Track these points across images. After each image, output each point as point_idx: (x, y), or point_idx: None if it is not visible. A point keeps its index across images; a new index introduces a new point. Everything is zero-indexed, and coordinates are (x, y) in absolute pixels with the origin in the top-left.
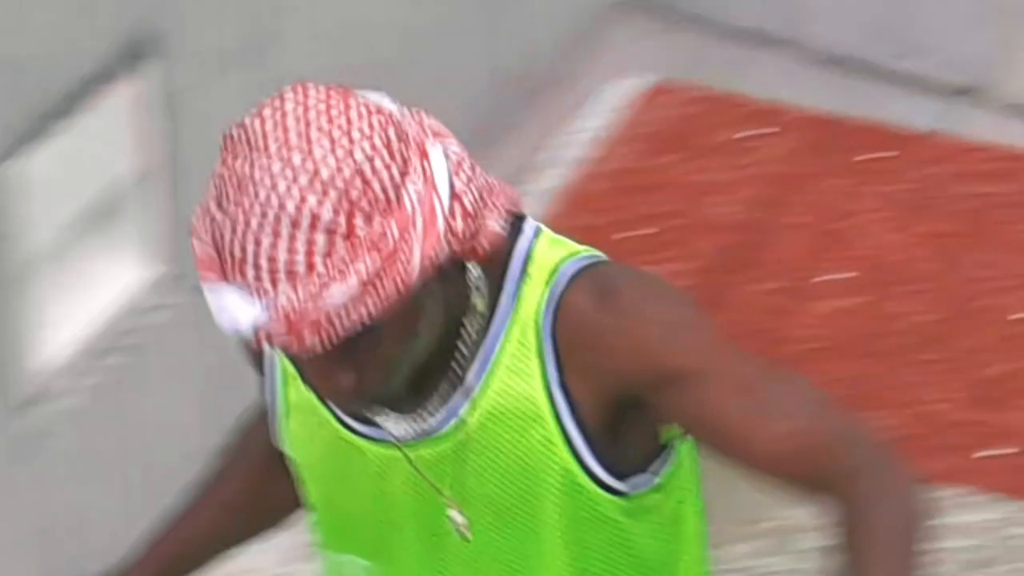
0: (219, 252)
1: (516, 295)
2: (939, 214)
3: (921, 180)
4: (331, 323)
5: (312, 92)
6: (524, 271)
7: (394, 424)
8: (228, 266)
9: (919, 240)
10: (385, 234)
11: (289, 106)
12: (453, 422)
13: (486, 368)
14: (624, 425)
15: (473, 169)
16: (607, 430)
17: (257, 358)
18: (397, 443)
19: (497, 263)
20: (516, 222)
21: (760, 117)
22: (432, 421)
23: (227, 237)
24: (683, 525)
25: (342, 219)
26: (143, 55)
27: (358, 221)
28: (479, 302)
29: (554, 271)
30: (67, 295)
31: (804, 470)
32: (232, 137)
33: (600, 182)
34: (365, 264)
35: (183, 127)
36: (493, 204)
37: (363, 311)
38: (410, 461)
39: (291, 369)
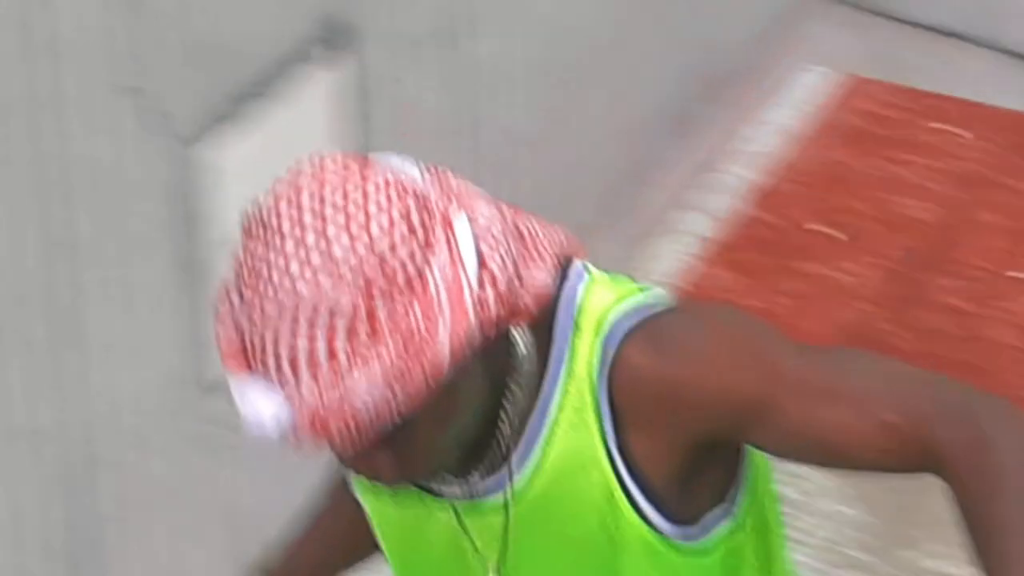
0: (241, 340)
1: (568, 349)
2: None
3: None
4: (358, 418)
5: (329, 165)
6: (574, 323)
7: (448, 487)
8: (250, 356)
9: None
10: (408, 318)
11: (304, 181)
12: (513, 483)
13: (543, 428)
14: (696, 470)
15: (507, 233)
16: (676, 482)
17: None
18: (452, 503)
19: (544, 315)
20: (563, 267)
21: (953, 115)
22: (488, 483)
23: (246, 326)
24: (774, 556)
25: (361, 304)
26: (338, 40)
27: (378, 305)
28: (527, 362)
29: (603, 320)
30: None
31: (916, 459)
32: (249, 217)
33: (791, 177)
34: (388, 352)
35: (376, 114)
36: (537, 254)
37: (392, 403)
38: (460, 521)
39: None
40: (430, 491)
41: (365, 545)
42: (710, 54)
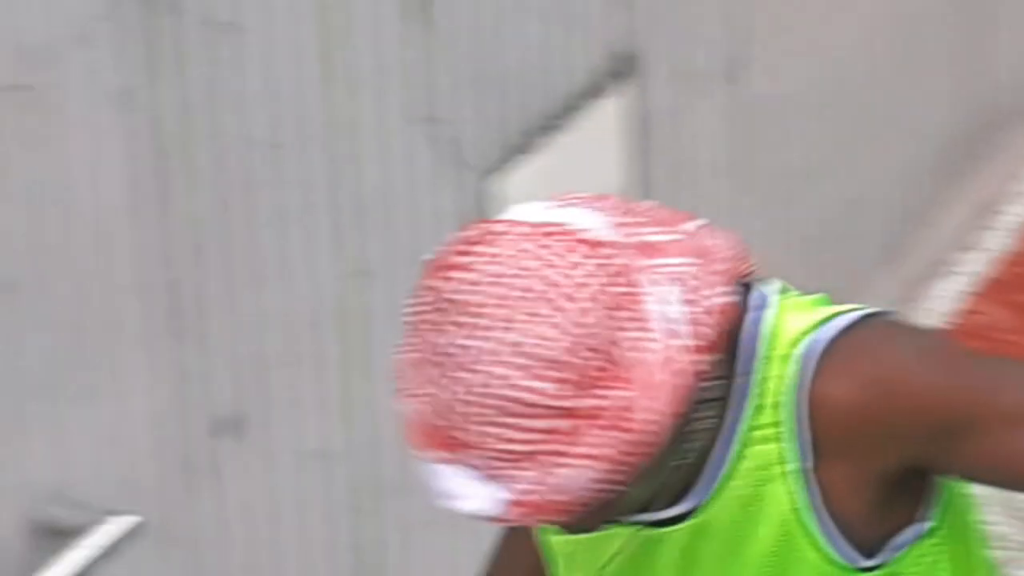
0: (426, 428)
1: (754, 379)
2: None
3: None
4: (564, 502)
5: (506, 239)
6: (760, 351)
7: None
8: (438, 444)
9: None
10: (605, 404)
11: (480, 263)
12: (692, 511)
13: (726, 459)
14: (888, 496)
15: (691, 265)
16: (866, 508)
17: None
18: (644, 524)
19: (729, 342)
20: (747, 292)
21: None
22: (674, 510)
23: (430, 417)
24: (973, 559)
25: (550, 394)
26: (623, 73)
27: (570, 394)
28: (712, 392)
29: (794, 348)
30: None
31: None
32: (422, 300)
33: None
34: (592, 440)
35: (657, 146)
36: (720, 276)
37: (599, 484)
38: (651, 540)
39: None
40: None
41: None
42: (991, 95)
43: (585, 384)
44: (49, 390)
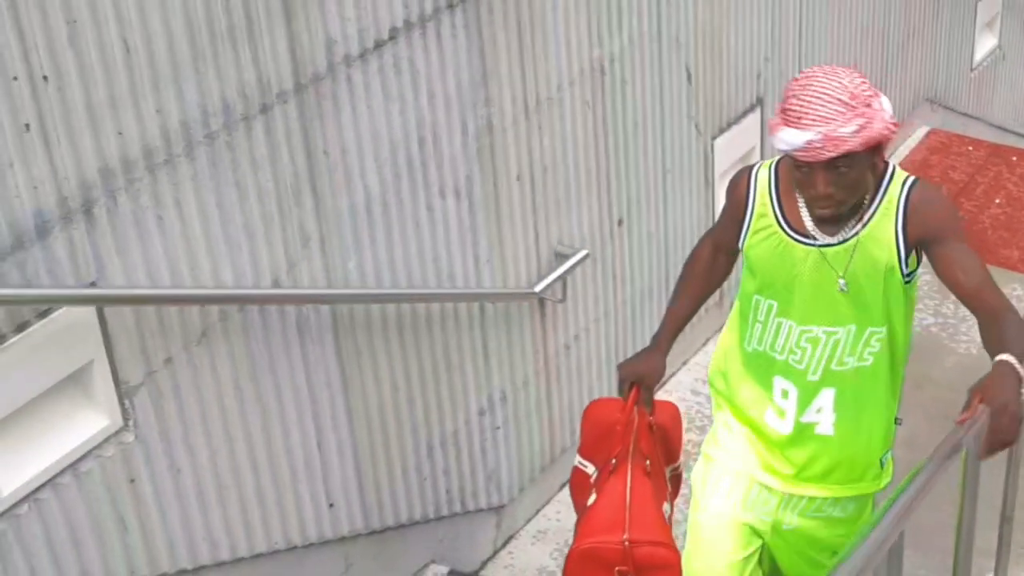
0: (786, 116)
1: (887, 186)
2: None
3: None
4: (839, 144)
5: (823, 67)
6: (892, 176)
7: (820, 236)
8: (790, 120)
9: None
10: (867, 109)
11: (819, 69)
12: (851, 239)
13: (871, 216)
14: (916, 255)
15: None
16: (910, 255)
17: (741, 202)
18: (818, 246)
19: (880, 173)
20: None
21: None
22: (840, 236)
23: (795, 110)
24: (914, 298)
25: (848, 99)
26: (757, 105)
27: (855, 101)
28: (873, 184)
29: (904, 180)
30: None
31: (979, 295)
32: (796, 78)
33: None
34: (856, 119)
35: (766, 131)
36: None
37: (852, 143)
38: (823, 255)
39: (759, 211)
40: (798, 241)
41: (721, 278)
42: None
43: (865, 104)
44: (558, 211)
